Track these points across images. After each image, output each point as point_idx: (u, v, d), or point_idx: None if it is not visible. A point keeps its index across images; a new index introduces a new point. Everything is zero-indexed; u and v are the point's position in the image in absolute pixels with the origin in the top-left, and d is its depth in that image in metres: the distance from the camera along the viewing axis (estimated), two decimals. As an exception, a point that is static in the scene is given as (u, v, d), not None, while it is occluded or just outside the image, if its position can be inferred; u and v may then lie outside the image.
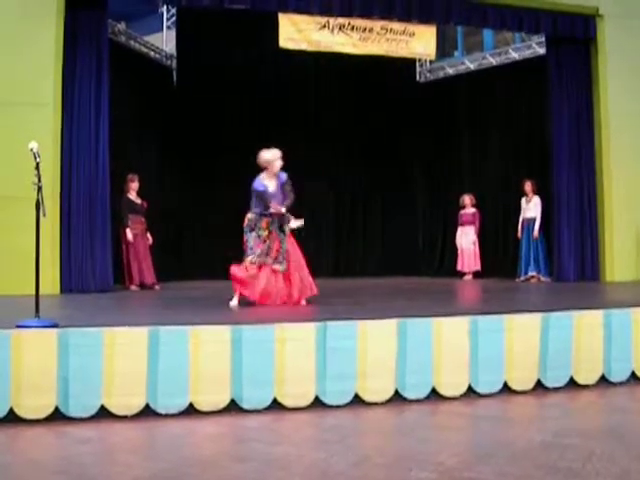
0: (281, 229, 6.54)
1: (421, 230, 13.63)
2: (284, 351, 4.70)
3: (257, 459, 3.61)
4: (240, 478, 3.37)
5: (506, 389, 5.11)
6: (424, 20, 9.69)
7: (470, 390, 5.04)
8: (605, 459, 3.48)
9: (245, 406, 4.61)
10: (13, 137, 7.83)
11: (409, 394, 4.89)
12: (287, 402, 4.68)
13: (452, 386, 4.99)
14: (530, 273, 10.61)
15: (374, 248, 13.51)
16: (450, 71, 13.41)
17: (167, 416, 4.48)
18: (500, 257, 11.85)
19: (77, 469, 3.49)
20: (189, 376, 4.56)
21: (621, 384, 5.40)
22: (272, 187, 6.53)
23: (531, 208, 10.70)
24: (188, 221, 11.81)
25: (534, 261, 10.61)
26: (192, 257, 11.66)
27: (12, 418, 4.30)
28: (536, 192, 10.69)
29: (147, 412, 4.49)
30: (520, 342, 5.17)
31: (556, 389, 5.21)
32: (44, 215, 4.87)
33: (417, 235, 13.63)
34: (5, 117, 8.14)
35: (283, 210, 6.51)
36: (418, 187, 13.60)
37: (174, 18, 12.30)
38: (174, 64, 12.23)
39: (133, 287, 9.40)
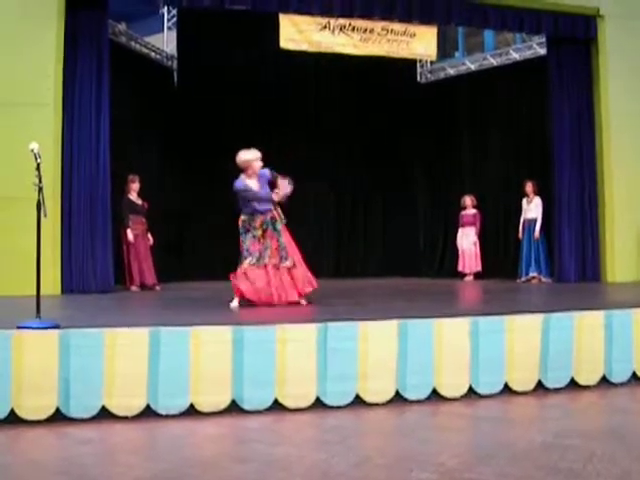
0: (274, 227, 6.52)
1: (422, 231, 13.61)
2: (285, 352, 4.69)
3: (258, 460, 3.61)
4: (241, 479, 3.37)
5: (507, 390, 5.10)
6: (425, 21, 9.69)
7: (471, 391, 5.03)
8: (606, 460, 3.48)
9: (246, 407, 4.61)
10: (14, 138, 7.83)
11: (410, 395, 4.88)
12: (288, 403, 4.67)
13: (453, 387, 4.99)
14: (531, 274, 10.60)
15: (375, 249, 13.51)
16: (451, 72, 13.40)
17: (168, 417, 4.48)
18: (501, 258, 11.83)
19: (78, 470, 3.49)
20: (190, 377, 4.55)
21: (622, 385, 5.39)
22: (255, 186, 6.48)
23: (532, 209, 10.69)
24: (189, 222, 11.80)
25: (535, 262, 10.61)
26: (193, 258, 11.66)
27: (13, 419, 4.30)
28: (537, 193, 10.69)
29: (148, 413, 4.49)
30: (521, 343, 5.16)
31: (557, 390, 5.20)
32: (45, 216, 4.87)
33: (418, 236, 13.60)
34: (6, 117, 8.14)
35: (289, 190, 6.45)
36: (419, 188, 13.58)
37: (175, 19, 12.29)
38: (175, 65, 12.23)
39: (134, 288, 9.41)
